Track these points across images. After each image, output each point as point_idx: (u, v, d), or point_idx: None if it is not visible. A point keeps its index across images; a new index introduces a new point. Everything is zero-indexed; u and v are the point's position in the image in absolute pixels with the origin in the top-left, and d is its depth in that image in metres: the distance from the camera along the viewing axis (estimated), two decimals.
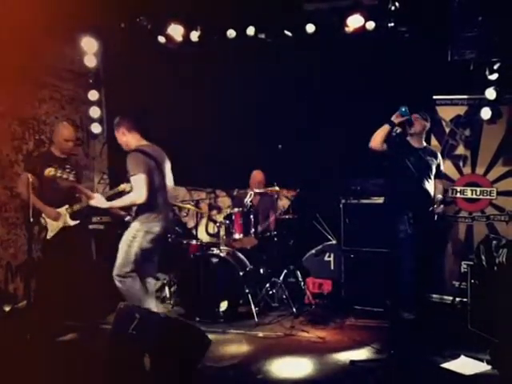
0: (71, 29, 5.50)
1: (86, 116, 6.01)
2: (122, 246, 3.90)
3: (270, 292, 5.14)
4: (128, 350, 3.18)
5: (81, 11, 5.23)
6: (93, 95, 5.97)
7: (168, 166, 4.11)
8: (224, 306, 4.67)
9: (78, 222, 4.48)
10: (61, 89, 5.74)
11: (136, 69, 5.94)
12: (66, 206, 4.44)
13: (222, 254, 4.82)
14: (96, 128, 6.02)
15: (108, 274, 4.96)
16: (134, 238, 3.86)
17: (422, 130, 4.53)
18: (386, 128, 4.36)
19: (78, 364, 3.60)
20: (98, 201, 3.91)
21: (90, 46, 5.74)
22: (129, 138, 3.99)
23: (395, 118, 4.33)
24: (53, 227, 4.43)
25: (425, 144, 4.63)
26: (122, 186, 4.34)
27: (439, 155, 4.74)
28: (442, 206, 4.48)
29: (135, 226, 3.90)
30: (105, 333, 3.78)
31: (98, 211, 4.74)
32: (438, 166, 4.62)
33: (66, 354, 3.83)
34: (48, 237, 4.42)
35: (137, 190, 3.76)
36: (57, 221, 4.42)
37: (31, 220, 3.76)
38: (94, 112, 5.99)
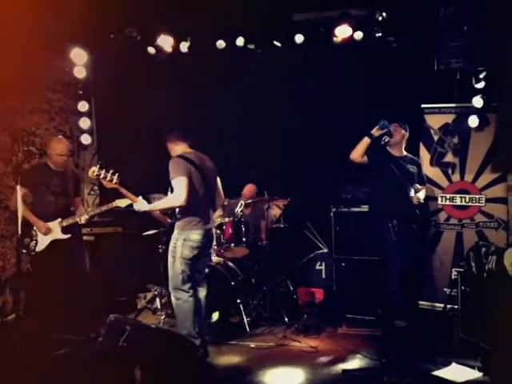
0: (61, 40, 5.50)
1: (75, 127, 5.99)
2: (169, 259, 3.93)
3: (262, 302, 5.13)
4: (119, 363, 3.16)
5: (70, 23, 5.25)
6: (82, 106, 5.95)
7: (214, 175, 4.15)
8: (215, 316, 4.66)
9: (69, 235, 4.44)
10: (50, 100, 5.73)
11: (126, 80, 5.94)
12: (59, 220, 4.42)
13: (212, 264, 4.80)
14: (86, 139, 6.00)
15: (101, 286, 4.97)
16: (175, 247, 3.89)
17: (401, 139, 4.66)
18: (366, 141, 4.52)
19: (68, 377, 3.56)
20: (141, 204, 3.89)
21: (79, 57, 5.73)
22: (176, 147, 4.07)
23: (375, 131, 4.48)
24: (43, 240, 4.40)
25: (405, 153, 4.74)
26: (118, 201, 4.33)
27: (419, 162, 4.87)
28: (418, 194, 4.56)
29: (174, 235, 3.94)
30: (96, 345, 3.75)
31: (87, 223, 4.72)
32: (419, 173, 4.75)
33: (57, 368, 3.79)
34: (38, 249, 4.39)
35: (177, 191, 3.76)
36: (47, 235, 4.39)
37: (20, 233, 3.71)
38: (84, 123, 5.98)
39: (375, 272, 4.74)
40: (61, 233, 4.41)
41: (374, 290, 4.71)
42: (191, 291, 3.90)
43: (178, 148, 4.06)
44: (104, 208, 4.43)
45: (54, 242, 4.40)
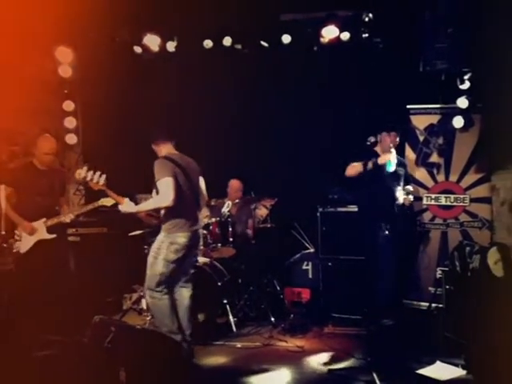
0: (46, 39, 5.44)
1: (61, 126, 5.93)
2: (149, 258, 3.92)
3: (248, 302, 5.12)
4: (104, 364, 3.14)
5: (55, 21, 5.20)
6: (68, 105, 5.90)
7: (199, 177, 4.15)
8: (202, 317, 4.64)
9: (54, 235, 4.40)
10: (35, 99, 5.66)
11: (112, 79, 5.90)
12: (44, 219, 4.37)
13: (199, 264, 4.78)
14: (71, 139, 5.95)
15: (86, 286, 4.93)
16: (159, 249, 3.87)
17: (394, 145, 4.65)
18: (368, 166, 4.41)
19: (53, 379, 3.52)
20: (127, 206, 3.85)
21: (64, 55, 5.68)
22: (161, 148, 4.05)
23: (380, 160, 4.39)
24: (28, 241, 4.35)
25: None
26: (103, 200, 4.29)
27: (405, 163, 4.93)
28: (409, 196, 4.61)
29: (160, 236, 3.92)
30: (81, 347, 3.72)
31: (74, 223, 4.69)
32: (406, 174, 4.81)
33: (41, 369, 3.74)
34: (23, 250, 4.34)
35: (163, 192, 3.73)
36: (32, 235, 4.34)
37: (3, 232, 3.67)
38: (70, 122, 5.92)
39: (362, 271, 4.76)
40: (46, 233, 4.37)
41: (361, 290, 4.73)
42: (165, 290, 3.89)
43: (163, 149, 4.05)
44: (90, 207, 4.40)
45: (39, 242, 4.35)
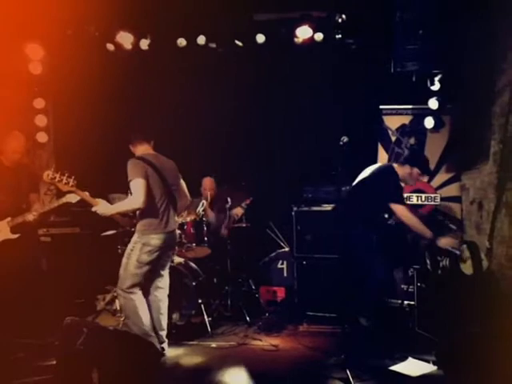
0: (16, 35, 5.32)
1: (32, 124, 5.80)
2: (123, 259, 3.88)
3: (224, 301, 5.12)
4: (76, 366, 3.10)
5: (26, 17, 5.09)
6: (39, 103, 5.78)
7: (177, 177, 4.11)
8: (176, 317, 4.61)
9: (18, 235, 4.29)
10: (5, 96, 5.52)
11: (84, 76, 5.80)
12: (8, 219, 4.27)
13: (173, 264, 4.75)
14: (42, 137, 5.82)
15: (58, 287, 4.85)
16: (132, 250, 3.84)
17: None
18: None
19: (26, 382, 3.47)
20: (104, 207, 3.81)
21: (35, 52, 5.57)
22: (137, 149, 4.02)
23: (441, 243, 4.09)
24: None
25: None
26: (68, 197, 4.21)
27: None
28: None
29: (134, 237, 3.89)
30: (52, 349, 3.66)
31: (45, 223, 4.60)
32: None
33: (13, 373, 3.67)
34: None
35: (134, 193, 3.72)
36: None
37: None
38: (40, 120, 5.80)
39: (336, 270, 4.78)
40: (10, 233, 4.26)
41: (334, 288, 4.75)
42: (137, 291, 3.87)
43: (139, 149, 4.01)
44: (54, 205, 4.30)
45: (3, 242, 4.24)
